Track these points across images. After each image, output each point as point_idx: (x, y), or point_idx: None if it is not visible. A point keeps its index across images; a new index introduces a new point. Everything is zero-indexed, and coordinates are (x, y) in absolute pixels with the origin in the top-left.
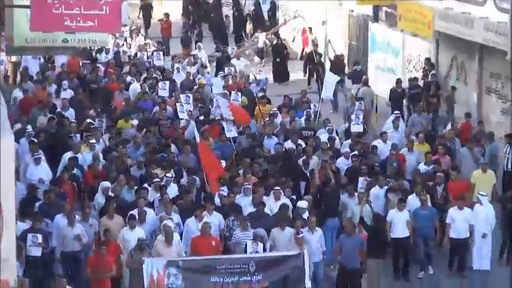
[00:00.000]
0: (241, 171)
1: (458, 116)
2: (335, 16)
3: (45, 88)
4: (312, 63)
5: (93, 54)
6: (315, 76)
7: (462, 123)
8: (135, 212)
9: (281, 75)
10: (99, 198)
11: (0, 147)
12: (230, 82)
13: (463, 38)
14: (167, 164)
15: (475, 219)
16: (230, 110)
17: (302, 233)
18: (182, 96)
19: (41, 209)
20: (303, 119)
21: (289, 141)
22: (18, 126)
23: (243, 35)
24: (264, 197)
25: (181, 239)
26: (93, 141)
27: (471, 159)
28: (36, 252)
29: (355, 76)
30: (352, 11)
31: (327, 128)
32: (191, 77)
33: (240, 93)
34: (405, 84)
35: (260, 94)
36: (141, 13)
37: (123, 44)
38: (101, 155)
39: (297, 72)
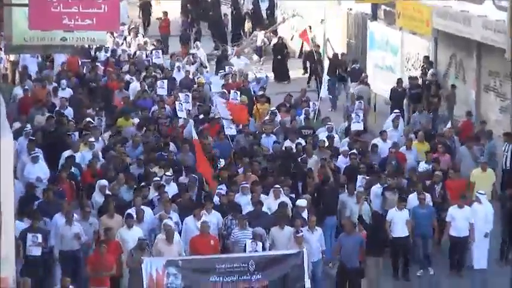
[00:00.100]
0: (240, 170)
1: (458, 115)
2: (333, 14)
3: (45, 87)
4: (313, 61)
5: (92, 52)
6: (313, 75)
7: (463, 121)
8: (132, 211)
9: (281, 74)
10: (97, 197)
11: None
12: (230, 81)
13: (462, 36)
14: (166, 162)
15: (475, 218)
16: (228, 109)
17: (302, 231)
18: (181, 95)
19: (40, 208)
20: (302, 118)
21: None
22: (17, 125)
23: (242, 33)
24: (264, 195)
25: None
26: (92, 139)
27: (470, 158)
28: (37, 252)
29: (354, 74)
30: (350, 9)
31: (326, 127)
32: (190, 76)
33: (239, 92)
34: (405, 83)
35: (260, 93)
36: (140, 12)
37: (123, 43)
38: (100, 154)
39: (296, 70)
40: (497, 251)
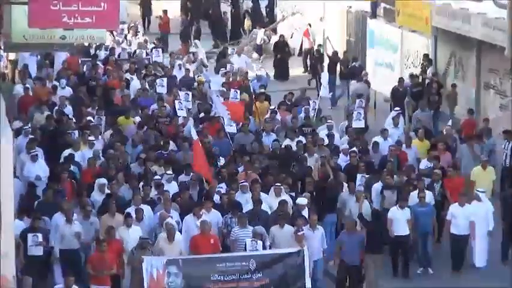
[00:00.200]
0: (240, 168)
1: (458, 112)
2: (333, 12)
3: (45, 85)
4: (315, 60)
5: (92, 51)
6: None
7: (465, 119)
8: (131, 209)
9: (282, 72)
10: (96, 196)
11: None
12: (231, 79)
13: (461, 33)
14: (165, 161)
15: (475, 216)
16: (226, 108)
17: (303, 230)
18: (181, 94)
19: (40, 207)
20: (302, 116)
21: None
22: (17, 124)
23: (242, 31)
24: (264, 194)
25: None
26: (92, 138)
27: (471, 156)
28: (38, 251)
29: (354, 72)
30: (350, 7)
31: (326, 125)
32: (191, 74)
33: (238, 91)
34: (405, 80)
35: (262, 90)
36: (141, 10)
37: (123, 41)
38: (101, 153)
39: (296, 68)
40: (498, 250)
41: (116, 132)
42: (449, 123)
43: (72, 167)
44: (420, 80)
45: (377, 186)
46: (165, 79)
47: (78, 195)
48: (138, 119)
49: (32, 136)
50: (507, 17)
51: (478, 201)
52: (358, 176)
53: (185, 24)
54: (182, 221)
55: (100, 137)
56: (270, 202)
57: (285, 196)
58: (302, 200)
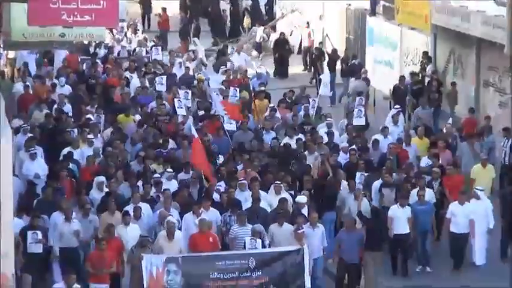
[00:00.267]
0: (239, 166)
1: (457, 111)
2: (332, 10)
3: (44, 83)
4: (315, 58)
5: (92, 49)
6: (312, 70)
7: (466, 118)
8: (129, 208)
9: (282, 70)
10: (94, 194)
11: None
12: (231, 77)
13: (461, 31)
14: (165, 159)
15: (474, 214)
16: (224, 108)
17: (303, 228)
18: (181, 92)
19: (39, 205)
20: (301, 114)
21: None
22: (17, 122)
23: (241, 29)
24: (263, 192)
25: None
26: (91, 136)
27: (471, 154)
28: (37, 249)
29: (354, 70)
30: (349, 4)
31: (326, 123)
32: (190, 73)
33: (238, 89)
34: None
35: (262, 88)
36: (141, 8)
37: (122, 39)
38: (101, 151)
39: (296, 66)
40: (498, 248)
41: (115, 130)
42: (450, 121)
43: (71, 165)
44: (420, 78)
45: (377, 184)
46: (164, 77)
47: (77, 194)
48: (138, 117)
49: (31, 134)
50: (506, 15)
51: (477, 199)
52: (358, 174)
53: (184, 22)
54: (182, 219)
55: (99, 135)
56: (270, 200)
57: (285, 194)
58: (302, 198)
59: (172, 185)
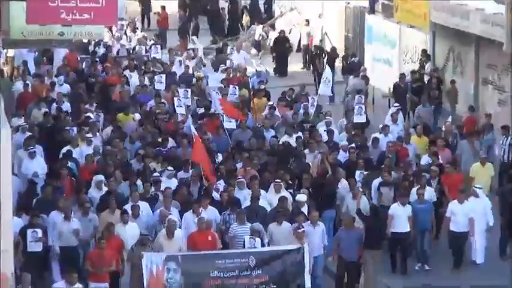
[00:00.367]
0: (238, 165)
1: (457, 109)
2: (331, 8)
3: (43, 82)
4: (314, 56)
5: (91, 47)
6: (311, 68)
7: (466, 116)
8: (127, 206)
9: (282, 68)
10: (93, 192)
11: None
12: (231, 75)
13: (460, 29)
14: (164, 157)
15: (473, 213)
16: (222, 108)
17: (303, 227)
18: (180, 91)
19: (39, 205)
20: (301, 112)
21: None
22: (16, 121)
23: (240, 27)
24: (264, 191)
25: None
26: (90, 135)
27: (471, 153)
28: (37, 247)
29: (353, 68)
30: (348, 3)
31: (325, 121)
32: (190, 71)
33: (237, 88)
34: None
35: (262, 86)
36: (141, 6)
37: (122, 37)
38: (101, 150)
39: (295, 64)
40: (497, 246)
41: (115, 129)
42: (449, 119)
43: (69, 164)
44: (419, 76)
45: (376, 182)
46: (163, 75)
47: (76, 192)
48: (137, 116)
49: (30, 133)
50: (505, 13)
51: (476, 198)
52: (357, 172)
53: (183, 20)
54: (181, 217)
55: (98, 134)
56: (270, 199)
57: (284, 192)
58: (301, 197)
59: (173, 184)
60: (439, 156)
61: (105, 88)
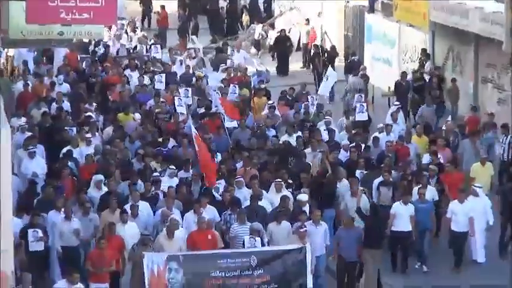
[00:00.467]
0: (238, 164)
1: (459, 109)
2: (331, 7)
3: (43, 82)
4: (313, 55)
5: (92, 47)
6: (310, 67)
7: (469, 116)
8: (126, 206)
9: (283, 67)
10: (92, 192)
11: None
12: (232, 75)
13: (459, 28)
14: (164, 157)
15: (474, 212)
16: (222, 106)
17: (305, 227)
18: (181, 91)
19: (40, 205)
20: (301, 111)
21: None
22: (16, 121)
23: (239, 26)
24: (264, 191)
25: None
26: (89, 135)
27: (472, 152)
28: (39, 247)
29: (353, 67)
30: (348, 2)
31: (324, 120)
32: (190, 71)
33: (237, 87)
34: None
35: (262, 86)
36: (141, 5)
37: (122, 36)
38: (101, 149)
39: (295, 63)
40: (497, 245)
41: (116, 129)
42: (449, 118)
43: (69, 163)
44: (420, 75)
45: (377, 182)
46: (163, 75)
47: (77, 192)
48: (137, 115)
49: (30, 133)
50: (505, 12)
51: (475, 197)
52: (357, 171)
53: (183, 19)
54: (182, 217)
55: (97, 133)
56: (271, 198)
57: (285, 192)
58: (303, 197)
59: (174, 183)
60: (439, 156)
61: (104, 88)
